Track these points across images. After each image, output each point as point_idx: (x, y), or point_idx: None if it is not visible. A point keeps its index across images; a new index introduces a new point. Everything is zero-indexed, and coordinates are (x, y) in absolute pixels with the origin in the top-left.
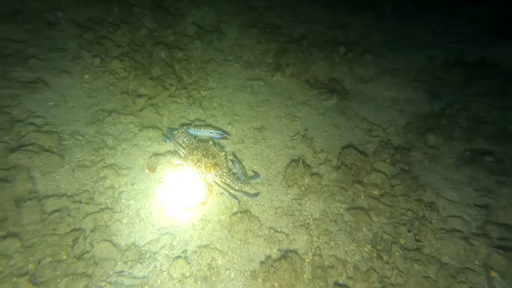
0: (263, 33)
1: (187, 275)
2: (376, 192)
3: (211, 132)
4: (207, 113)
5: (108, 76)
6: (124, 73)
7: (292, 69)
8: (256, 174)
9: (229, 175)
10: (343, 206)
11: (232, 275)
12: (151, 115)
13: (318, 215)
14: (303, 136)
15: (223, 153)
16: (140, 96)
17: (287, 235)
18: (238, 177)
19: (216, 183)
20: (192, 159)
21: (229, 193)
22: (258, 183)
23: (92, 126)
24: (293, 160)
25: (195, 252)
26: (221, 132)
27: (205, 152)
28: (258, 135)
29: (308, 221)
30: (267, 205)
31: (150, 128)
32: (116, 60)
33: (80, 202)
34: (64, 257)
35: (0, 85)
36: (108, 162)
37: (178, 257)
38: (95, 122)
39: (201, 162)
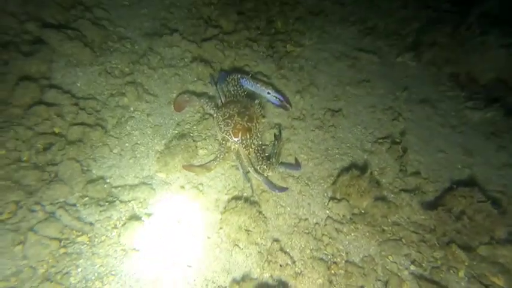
0: None
1: (136, 247)
2: (497, 281)
3: (268, 93)
4: (280, 72)
5: None
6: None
7: (436, 53)
8: (296, 165)
9: (257, 150)
10: (413, 268)
11: (192, 281)
12: (214, 51)
13: (357, 259)
14: (395, 143)
15: (264, 120)
16: (215, 27)
17: (294, 263)
18: (267, 156)
19: (237, 152)
20: (224, 112)
21: (245, 172)
22: (293, 176)
23: (147, 39)
24: (358, 168)
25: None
26: (281, 98)
27: (243, 110)
28: (329, 120)
29: (337, 259)
30: (288, 209)
31: (204, 63)
32: None
33: (81, 108)
34: (24, 158)
35: None
36: (138, 80)
37: (139, 219)
38: (153, 36)
39: (231, 120)
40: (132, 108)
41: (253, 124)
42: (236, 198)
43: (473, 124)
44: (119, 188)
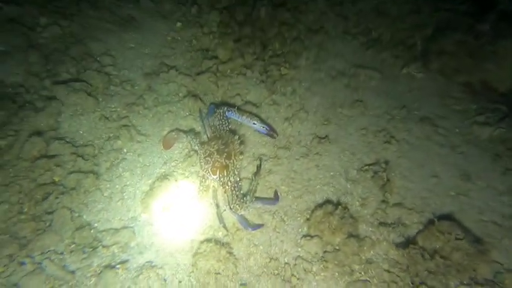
0: None
1: None
2: None
3: (254, 124)
4: (271, 97)
5: (197, 29)
6: (214, 28)
7: (446, 61)
8: (274, 199)
9: (233, 187)
10: None
11: None
12: (208, 83)
13: None
14: (380, 171)
15: (241, 157)
16: (211, 58)
17: None
18: (242, 194)
19: (215, 190)
20: (205, 150)
21: (220, 211)
22: (269, 211)
23: (147, 78)
24: (336, 200)
25: (139, 270)
26: (267, 128)
27: (222, 147)
28: (315, 147)
29: None
30: (261, 248)
31: (195, 98)
32: (215, 12)
33: (79, 155)
34: (25, 210)
35: (99, 16)
36: (132, 122)
37: (113, 267)
38: (151, 75)
39: (211, 158)
40: (125, 150)
41: (231, 161)
42: (209, 239)
43: (480, 143)
44: (104, 233)
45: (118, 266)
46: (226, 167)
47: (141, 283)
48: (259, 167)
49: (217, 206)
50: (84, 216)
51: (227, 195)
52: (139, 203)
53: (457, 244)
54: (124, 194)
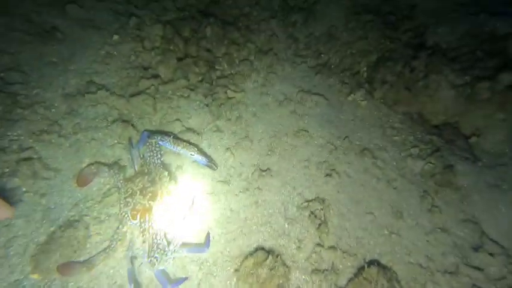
0: (380, 25)
1: None
2: None
3: (192, 155)
4: (215, 123)
5: (137, 43)
6: (157, 43)
7: (387, 91)
8: (205, 245)
9: (154, 236)
10: None
11: None
12: (144, 106)
13: None
14: (318, 209)
15: (170, 197)
16: (151, 77)
17: None
18: (164, 245)
19: (132, 239)
20: (127, 189)
21: (132, 270)
22: (196, 260)
23: (69, 99)
24: (266, 250)
25: None
26: (206, 159)
27: (148, 185)
28: (256, 181)
29: None
30: None
31: (125, 123)
32: (158, 26)
33: None
34: None
35: (10, 24)
36: (39, 153)
37: None
38: (75, 96)
39: (132, 199)
40: (23, 189)
41: (156, 203)
42: None
43: (413, 177)
44: None
45: None
46: (149, 210)
47: None
48: (191, 205)
49: (132, 260)
50: None
51: (147, 245)
52: (29, 261)
53: None
54: (9, 249)
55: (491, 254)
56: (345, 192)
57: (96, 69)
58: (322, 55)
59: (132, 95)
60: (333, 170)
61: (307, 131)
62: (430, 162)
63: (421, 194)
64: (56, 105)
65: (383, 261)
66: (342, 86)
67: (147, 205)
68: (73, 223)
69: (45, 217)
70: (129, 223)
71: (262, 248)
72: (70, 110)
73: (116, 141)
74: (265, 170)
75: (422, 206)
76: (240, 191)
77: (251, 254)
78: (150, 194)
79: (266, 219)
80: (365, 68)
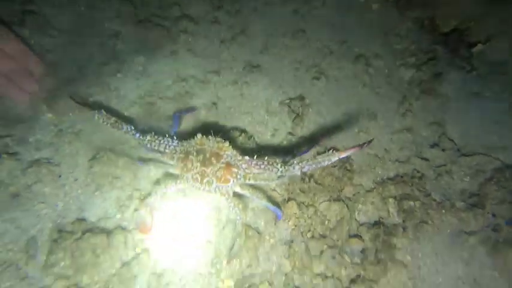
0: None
1: None
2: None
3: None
4: (215, 14)
5: None
6: None
7: None
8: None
9: (257, 164)
10: None
11: None
12: None
13: None
14: (298, 106)
15: (226, 143)
16: None
17: None
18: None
19: (241, 191)
20: (192, 176)
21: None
22: None
23: None
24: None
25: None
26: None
27: (202, 156)
28: (246, 76)
29: None
30: None
31: None
32: None
33: None
34: None
35: None
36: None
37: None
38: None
39: (207, 176)
40: None
41: (225, 155)
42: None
43: (399, 85)
44: None
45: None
46: (229, 164)
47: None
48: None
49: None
50: None
51: (258, 177)
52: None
53: (331, 171)
54: None
55: (443, 150)
56: (328, 95)
57: None
58: None
59: None
60: (322, 73)
61: (306, 33)
62: (421, 70)
63: (401, 100)
64: None
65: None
66: None
67: (224, 165)
68: None
69: None
70: (224, 190)
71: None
72: None
73: None
74: (256, 67)
75: (398, 110)
76: (229, 83)
77: (229, 130)
78: (213, 157)
79: (249, 109)
80: None
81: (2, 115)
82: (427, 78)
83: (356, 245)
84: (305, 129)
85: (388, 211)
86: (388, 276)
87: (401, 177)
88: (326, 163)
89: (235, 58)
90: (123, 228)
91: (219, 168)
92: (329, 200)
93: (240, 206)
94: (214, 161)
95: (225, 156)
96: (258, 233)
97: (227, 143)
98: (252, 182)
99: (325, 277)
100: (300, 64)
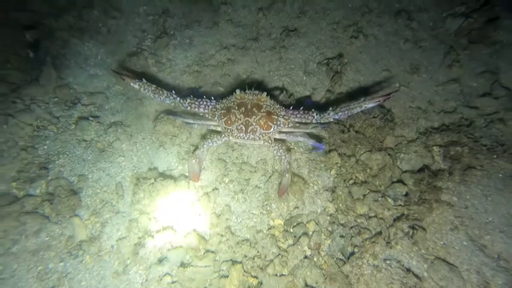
0: None
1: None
2: (359, 176)
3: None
4: None
5: None
6: None
7: None
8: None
9: (295, 113)
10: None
11: None
12: None
13: None
14: (336, 65)
15: (264, 94)
16: None
17: None
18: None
19: (284, 135)
20: (236, 128)
21: (308, 136)
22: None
23: None
24: (282, 88)
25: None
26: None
27: (243, 108)
28: (284, 40)
29: None
30: None
31: None
32: None
33: None
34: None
35: None
36: None
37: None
38: None
39: (251, 125)
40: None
41: (265, 105)
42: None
43: (445, 37)
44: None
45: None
46: (270, 112)
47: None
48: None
49: (303, 134)
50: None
51: (302, 119)
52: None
53: (372, 121)
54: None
55: (495, 98)
56: (367, 53)
57: None
58: None
59: None
60: (360, 32)
61: None
62: (472, 17)
63: (447, 51)
64: None
65: (385, 104)
66: None
67: (265, 113)
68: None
69: None
70: (266, 137)
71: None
72: None
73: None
74: (293, 31)
75: (443, 62)
76: (267, 49)
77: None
78: (255, 108)
79: (287, 72)
80: None
81: (87, 89)
82: (479, 26)
83: (399, 188)
84: (343, 86)
85: (433, 158)
86: (433, 214)
87: (447, 126)
88: (357, 110)
89: (273, 25)
90: (186, 176)
91: (261, 117)
92: (370, 151)
93: (284, 147)
94: (256, 111)
95: (264, 106)
96: (303, 179)
97: (265, 94)
98: (291, 129)
99: (368, 217)
100: (337, 25)
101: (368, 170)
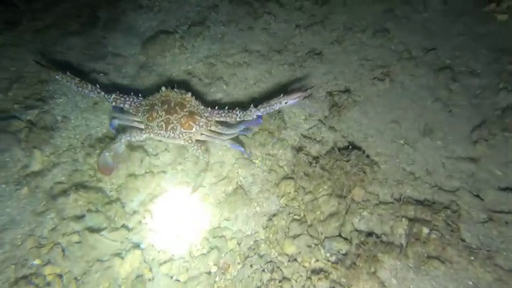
0: None
1: None
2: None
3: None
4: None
5: None
6: None
7: None
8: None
9: (219, 113)
10: None
11: None
12: None
13: None
14: (343, 99)
15: (189, 94)
16: None
17: None
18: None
19: (208, 135)
20: (157, 125)
21: (230, 139)
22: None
23: None
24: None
25: None
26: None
27: (166, 106)
28: (305, 61)
29: None
30: None
31: None
32: None
33: None
34: None
35: None
36: None
37: None
38: None
39: (171, 123)
40: None
41: (188, 105)
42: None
43: (492, 111)
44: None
45: None
46: (193, 113)
47: None
48: None
49: (225, 137)
50: None
51: (219, 128)
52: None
53: (342, 164)
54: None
55: None
56: (385, 98)
57: None
58: None
59: None
60: (388, 76)
61: (389, 33)
62: None
63: (479, 124)
64: None
65: (375, 158)
66: None
67: (187, 113)
68: None
69: None
70: (188, 136)
71: None
72: None
73: None
74: (318, 54)
75: (470, 136)
76: (286, 63)
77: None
78: (177, 107)
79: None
80: None
81: (117, 51)
82: None
83: (339, 244)
84: (341, 123)
85: (394, 229)
86: (359, 286)
87: (433, 203)
88: (277, 106)
89: (303, 43)
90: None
91: (183, 116)
92: (330, 194)
93: (203, 147)
94: (179, 110)
95: (188, 105)
96: (247, 195)
97: (189, 94)
98: (214, 129)
99: (291, 259)
100: (367, 62)
101: (318, 213)
